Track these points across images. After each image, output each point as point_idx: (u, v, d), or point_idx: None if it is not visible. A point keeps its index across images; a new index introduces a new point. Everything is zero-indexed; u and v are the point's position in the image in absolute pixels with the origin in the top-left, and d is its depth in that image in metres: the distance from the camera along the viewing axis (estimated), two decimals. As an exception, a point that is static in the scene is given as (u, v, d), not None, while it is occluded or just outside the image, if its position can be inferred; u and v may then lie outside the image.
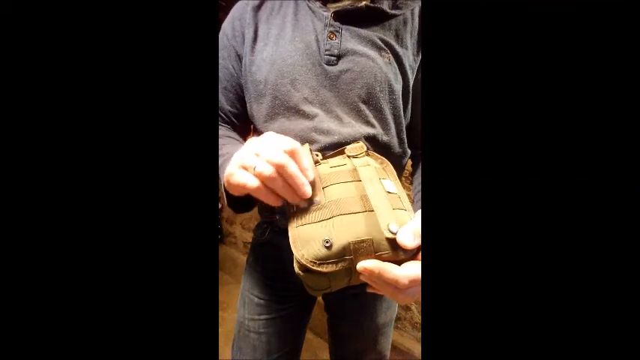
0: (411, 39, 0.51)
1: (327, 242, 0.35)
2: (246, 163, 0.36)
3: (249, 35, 0.53)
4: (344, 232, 0.35)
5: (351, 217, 0.36)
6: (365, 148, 0.45)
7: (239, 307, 0.64)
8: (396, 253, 0.34)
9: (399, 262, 0.35)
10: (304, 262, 0.35)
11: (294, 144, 0.37)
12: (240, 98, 0.57)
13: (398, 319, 1.29)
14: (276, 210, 0.54)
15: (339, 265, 0.35)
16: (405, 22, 0.51)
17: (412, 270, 0.34)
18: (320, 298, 0.68)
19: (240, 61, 0.55)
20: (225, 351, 0.73)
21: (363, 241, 0.34)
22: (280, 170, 0.35)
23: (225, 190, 0.41)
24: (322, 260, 0.35)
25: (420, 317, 1.26)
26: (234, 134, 0.56)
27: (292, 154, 0.36)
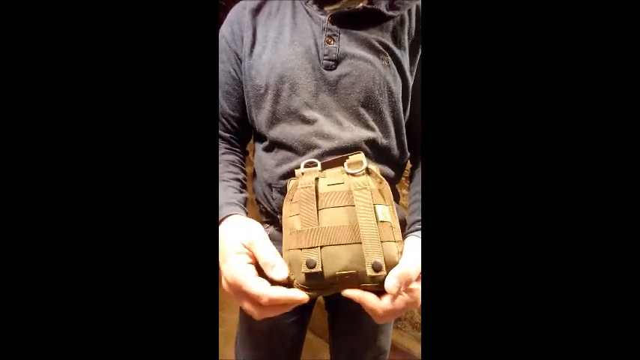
0: (408, 39, 0.51)
1: (311, 263, 0.38)
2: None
3: (247, 39, 0.53)
4: (332, 262, 0.38)
5: (340, 249, 0.39)
6: (365, 164, 0.44)
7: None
8: (378, 286, 0.38)
9: (381, 293, 0.39)
10: (295, 286, 0.39)
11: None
12: (243, 102, 0.56)
13: (398, 319, 1.29)
14: (277, 211, 0.54)
15: (327, 291, 0.39)
16: (402, 22, 0.51)
17: (389, 304, 0.38)
18: (320, 297, 0.69)
19: (241, 64, 0.55)
20: (225, 351, 0.73)
21: (349, 274, 0.38)
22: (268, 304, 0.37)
23: None
24: (312, 286, 0.39)
25: (420, 317, 1.25)
26: (230, 156, 0.56)
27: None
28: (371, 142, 0.49)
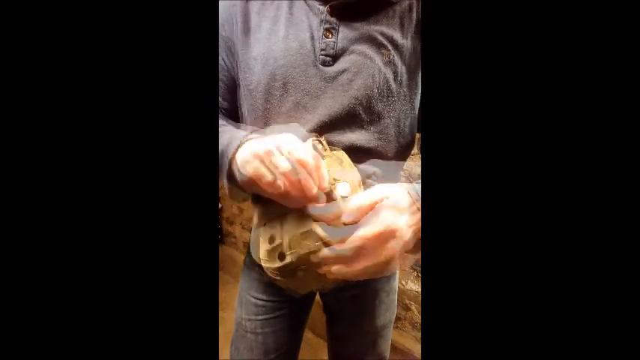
0: (415, 27, 0.48)
1: (272, 240, 0.42)
2: (266, 157, 0.37)
3: (239, 25, 0.49)
4: (289, 229, 0.41)
5: (294, 214, 0.41)
6: (326, 147, 0.46)
7: (237, 307, 0.64)
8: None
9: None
10: (271, 272, 0.42)
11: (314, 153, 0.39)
12: (231, 90, 0.53)
13: (398, 319, 1.29)
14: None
15: (292, 264, 0.40)
16: (410, 8, 0.47)
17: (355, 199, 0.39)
18: (319, 299, 0.68)
19: (233, 53, 0.51)
20: (225, 351, 0.73)
21: (306, 232, 0.39)
22: (301, 167, 0.37)
23: (230, 172, 0.43)
24: (280, 267, 0.41)
25: (420, 317, 1.26)
26: (229, 121, 0.53)
27: (316, 159, 0.38)
28: (367, 144, 0.47)
